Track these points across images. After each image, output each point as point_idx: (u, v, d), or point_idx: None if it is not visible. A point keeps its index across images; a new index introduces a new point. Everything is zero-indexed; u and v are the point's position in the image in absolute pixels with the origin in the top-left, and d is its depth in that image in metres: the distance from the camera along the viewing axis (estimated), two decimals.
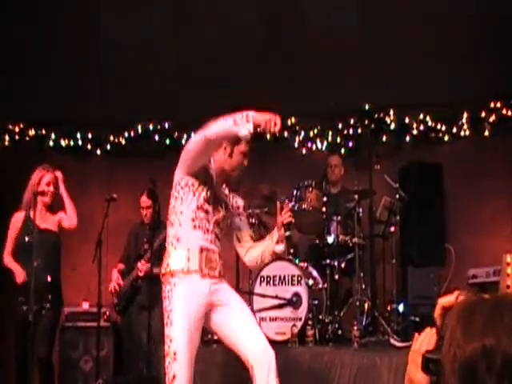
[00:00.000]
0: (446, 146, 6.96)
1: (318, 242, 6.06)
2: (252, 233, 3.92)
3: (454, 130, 6.88)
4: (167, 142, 7.22)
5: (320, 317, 5.26)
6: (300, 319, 5.10)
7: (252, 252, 3.79)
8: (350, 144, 7.07)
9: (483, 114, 6.79)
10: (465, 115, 6.84)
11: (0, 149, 7.33)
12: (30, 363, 5.09)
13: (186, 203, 3.54)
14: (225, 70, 6.76)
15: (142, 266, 5.70)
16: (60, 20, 6.92)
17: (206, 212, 3.55)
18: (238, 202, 3.81)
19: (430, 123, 6.91)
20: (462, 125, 6.85)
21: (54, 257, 5.44)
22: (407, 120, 6.94)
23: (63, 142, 7.42)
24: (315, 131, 7.13)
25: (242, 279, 5.75)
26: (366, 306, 5.53)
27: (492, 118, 6.77)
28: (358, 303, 5.42)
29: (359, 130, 7.00)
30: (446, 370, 1.32)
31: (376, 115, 6.92)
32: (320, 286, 5.40)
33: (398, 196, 5.84)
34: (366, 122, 6.93)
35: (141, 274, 5.75)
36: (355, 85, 6.75)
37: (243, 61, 6.80)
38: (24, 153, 7.19)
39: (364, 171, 5.84)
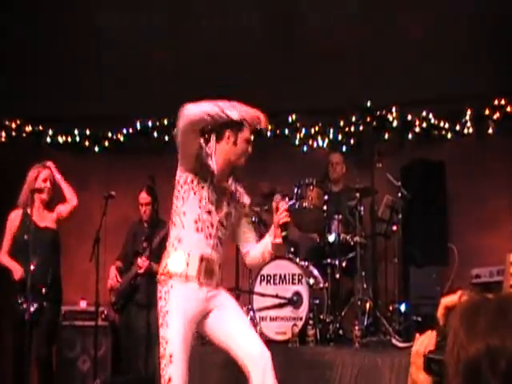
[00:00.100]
0: (448, 143, 6.92)
1: (319, 240, 6.04)
2: (254, 232, 3.86)
3: (457, 127, 6.85)
4: (166, 138, 7.19)
5: (321, 316, 5.24)
6: (301, 319, 5.09)
7: (253, 251, 3.74)
8: (352, 141, 7.05)
9: (487, 112, 6.74)
10: (468, 112, 6.80)
11: None
12: (28, 362, 5.08)
13: (187, 204, 3.48)
14: (225, 69, 6.76)
15: (143, 263, 5.68)
16: (60, 20, 6.97)
17: (209, 213, 3.49)
18: (244, 200, 3.75)
19: (432, 121, 6.88)
20: (466, 122, 6.81)
21: (53, 254, 5.41)
22: (409, 117, 6.92)
23: (61, 139, 7.41)
24: (316, 128, 7.11)
25: (242, 278, 5.76)
26: (368, 305, 5.51)
27: (496, 116, 6.72)
28: (359, 303, 5.39)
29: (361, 128, 6.97)
30: (449, 371, 1.31)
31: (378, 112, 6.91)
32: (321, 285, 5.38)
33: (400, 194, 5.82)
34: (368, 119, 6.91)
35: (141, 271, 5.72)
36: (355, 84, 6.76)
37: (243, 61, 6.82)
38: (21, 149, 7.19)
39: (366, 169, 5.85)
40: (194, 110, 3.26)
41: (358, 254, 5.60)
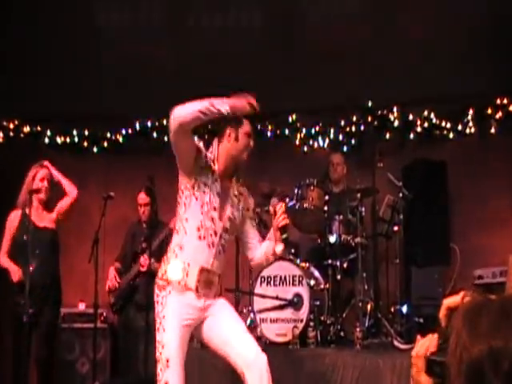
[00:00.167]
0: (450, 143, 6.89)
1: (319, 241, 6.02)
2: (258, 236, 3.84)
3: (459, 127, 6.81)
4: (165, 139, 7.11)
5: (322, 318, 5.22)
6: (301, 320, 5.07)
7: (257, 256, 3.74)
8: (353, 141, 7.02)
9: (489, 111, 6.71)
10: (470, 112, 6.77)
11: None
12: (27, 364, 5.08)
13: (189, 210, 3.46)
14: (225, 69, 6.76)
15: (145, 261, 5.66)
16: (60, 20, 6.99)
17: (212, 220, 3.47)
18: (248, 204, 3.73)
19: (434, 120, 6.85)
20: (468, 122, 6.78)
21: (52, 254, 5.39)
22: (411, 117, 6.90)
23: (59, 139, 7.39)
24: (317, 128, 7.09)
25: (242, 279, 5.76)
26: (369, 306, 5.49)
27: (498, 115, 6.69)
28: (360, 304, 5.38)
29: (362, 128, 6.95)
30: (451, 373, 1.31)
31: (379, 112, 6.89)
32: (322, 286, 5.37)
33: (401, 194, 5.80)
34: (369, 119, 6.89)
35: (143, 269, 5.70)
36: (355, 84, 6.76)
37: (243, 61, 6.83)
38: (19, 150, 7.17)
39: (367, 169, 5.80)
40: (184, 111, 3.26)
41: (359, 255, 5.59)
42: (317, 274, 5.43)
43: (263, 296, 5.19)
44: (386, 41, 6.75)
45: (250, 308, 5.36)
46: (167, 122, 7.09)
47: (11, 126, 7.34)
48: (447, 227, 6.62)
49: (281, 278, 5.25)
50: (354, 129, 6.99)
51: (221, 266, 3.56)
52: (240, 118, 3.51)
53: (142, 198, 5.90)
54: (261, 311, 5.21)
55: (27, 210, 5.22)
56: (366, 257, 5.81)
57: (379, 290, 5.78)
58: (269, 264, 4.63)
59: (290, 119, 7.06)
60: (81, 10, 6.99)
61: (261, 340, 4.95)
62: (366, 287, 5.59)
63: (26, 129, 7.37)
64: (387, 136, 6.94)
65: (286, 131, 7.09)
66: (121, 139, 7.34)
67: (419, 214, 6.33)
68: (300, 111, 7.04)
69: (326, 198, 5.60)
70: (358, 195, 5.66)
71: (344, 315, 5.37)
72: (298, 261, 5.43)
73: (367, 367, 4.39)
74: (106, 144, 7.39)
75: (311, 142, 7.12)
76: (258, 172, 5.82)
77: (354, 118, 6.97)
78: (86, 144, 7.40)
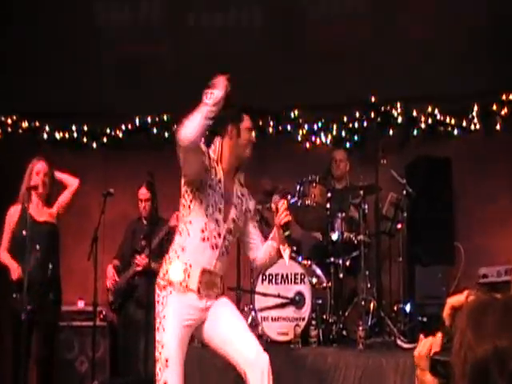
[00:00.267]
0: (455, 140, 6.86)
1: (321, 239, 6.00)
2: (260, 235, 3.82)
3: (464, 123, 6.78)
4: (166, 135, 7.14)
5: (324, 317, 5.21)
6: (303, 319, 5.05)
7: (260, 256, 3.73)
8: (356, 138, 7.00)
9: (494, 108, 6.68)
10: (475, 108, 6.74)
11: None
12: (26, 363, 5.04)
13: (193, 212, 3.44)
14: (225, 70, 6.75)
15: (141, 261, 5.65)
16: (60, 20, 7.03)
17: (217, 221, 3.45)
18: (249, 205, 3.72)
19: (438, 116, 6.83)
20: (473, 118, 6.74)
21: (52, 249, 5.35)
22: (415, 113, 6.87)
23: (58, 135, 7.37)
24: (319, 124, 7.07)
25: (244, 278, 5.76)
26: (372, 305, 5.46)
27: (504, 111, 6.67)
28: (363, 303, 5.37)
29: (365, 124, 6.93)
30: (456, 372, 1.30)
31: (382, 108, 6.87)
32: (324, 284, 5.35)
33: (405, 192, 5.77)
34: (372, 115, 6.87)
35: (139, 269, 5.71)
36: (355, 85, 6.77)
37: (243, 61, 6.83)
38: (17, 146, 7.16)
39: (370, 166, 5.77)
40: (189, 128, 3.17)
41: (361, 253, 5.57)
42: (319, 272, 5.40)
43: (265, 294, 5.18)
44: (386, 41, 6.79)
45: (251, 306, 5.36)
46: (167, 117, 7.17)
47: (9, 121, 7.33)
48: (451, 225, 6.59)
49: (282, 276, 5.23)
50: (356, 125, 6.96)
51: (224, 268, 3.55)
52: (240, 114, 3.53)
53: (143, 193, 5.89)
54: (262, 309, 5.19)
55: (27, 205, 5.18)
56: (368, 255, 5.80)
57: (382, 289, 5.74)
58: (273, 263, 4.58)
59: (292, 115, 7.04)
60: (81, 10, 7.05)
61: (262, 339, 4.94)
62: (368, 286, 5.57)
63: (25, 124, 7.35)
64: (391, 132, 6.91)
65: (288, 127, 7.07)
66: (120, 135, 7.31)
67: (423, 211, 6.30)
68: (302, 107, 7.03)
69: (329, 195, 5.58)
70: (361, 192, 5.63)
71: (346, 314, 5.35)
72: (300, 258, 5.41)
73: (370, 366, 4.37)
74: (105, 140, 7.36)
75: (313, 139, 7.09)
76: (260, 169, 5.81)
77: (357, 114, 6.95)
78: (85, 140, 7.37)
